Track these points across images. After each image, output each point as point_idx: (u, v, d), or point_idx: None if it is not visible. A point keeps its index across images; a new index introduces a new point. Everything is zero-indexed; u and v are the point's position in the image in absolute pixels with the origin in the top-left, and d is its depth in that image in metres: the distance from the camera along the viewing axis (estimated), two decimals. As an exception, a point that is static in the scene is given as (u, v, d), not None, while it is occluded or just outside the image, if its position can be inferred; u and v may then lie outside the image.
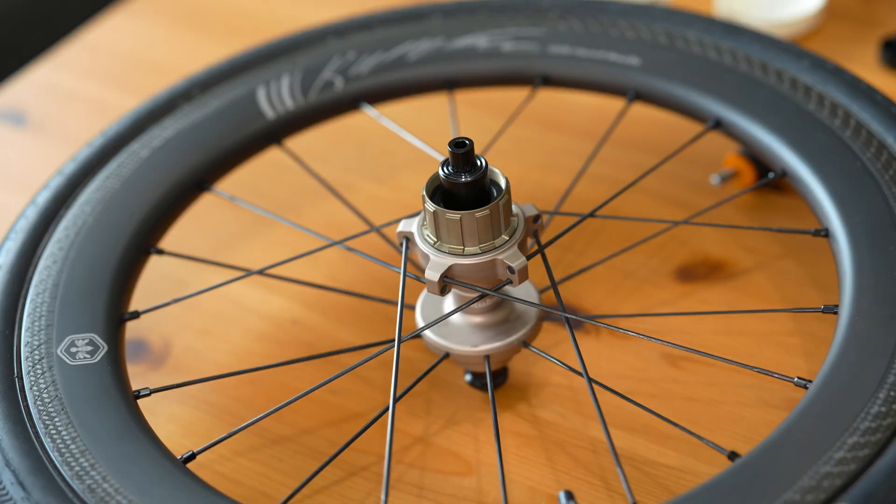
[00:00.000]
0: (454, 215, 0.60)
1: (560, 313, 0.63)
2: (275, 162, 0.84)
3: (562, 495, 0.57)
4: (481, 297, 0.64)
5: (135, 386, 0.64)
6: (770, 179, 0.71)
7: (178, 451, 0.61)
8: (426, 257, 0.63)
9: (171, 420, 0.72)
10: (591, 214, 0.70)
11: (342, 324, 0.77)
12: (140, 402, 0.63)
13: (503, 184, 0.61)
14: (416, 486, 0.67)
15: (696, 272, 0.77)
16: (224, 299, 0.79)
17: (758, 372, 0.61)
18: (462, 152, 0.60)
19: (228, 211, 0.86)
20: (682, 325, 0.73)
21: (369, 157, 0.90)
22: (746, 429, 0.66)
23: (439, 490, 0.66)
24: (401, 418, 0.70)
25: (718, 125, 0.73)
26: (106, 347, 0.64)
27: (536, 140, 0.89)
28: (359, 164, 0.89)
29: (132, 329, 0.77)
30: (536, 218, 0.64)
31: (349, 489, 0.67)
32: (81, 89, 1.03)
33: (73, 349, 0.63)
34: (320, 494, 0.67)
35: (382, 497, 0.56)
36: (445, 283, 0.62)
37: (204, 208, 0.83)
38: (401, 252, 0.64)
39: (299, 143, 0.83)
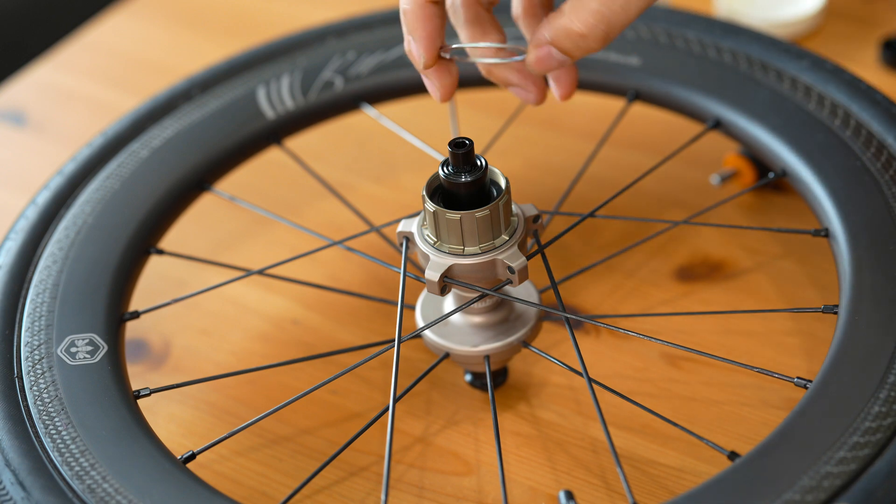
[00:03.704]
0: (454, 215, 0.60)
1: (560, 313, 0.63)
2: (275, 161, 0.84)
3: (562, 495, 0.57)
4: (481, 297, 0.64)
5: (135, 386, 0.64)
6: (770, 179, 0.71)
7: (178, 451, 0.61)
8: (426, 257, 0.62)
9: (170, 420, 0.72)
10: (591, 214, 0.70)
11: (342, 324, 0.77)
12: (140, 401, 0.63)
13: (503, 184, 0.61)
14: (416, 486, 0.67)
15: (696, 272, 0.77)
16: (224, 299, 0.79)
17: (758, 372, 0.61)
18: (462, 152, 0.60)
19: (228, 211, 0.86)
20: (682, 325, 0.73)
21: (369, 157, 0.90)
22: (746, 429, 0.66)
23: (439, 490, 0.66)
24: (401, 418, 0.70)
25: (718, 125, 0.73)
26: (106, 347, 0.64)
27: (536, 140, 0.89)
28: (358, 164, 0.89)
29: (132, 329, 0.77)
30: (536, 218, 0.64)
31: (349, 489, 0.67)
32: (81, 89, 1.03)
33: (73, 349, 0.63)
34: (320, 494, 0.67)
35: (382, 497, 0.56)
36: (445, 283, 0.62)
37: (204, 208, 0.83)
38: (401, 252, 0.64)
39: (299, 142, 0.83)
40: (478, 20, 0.61)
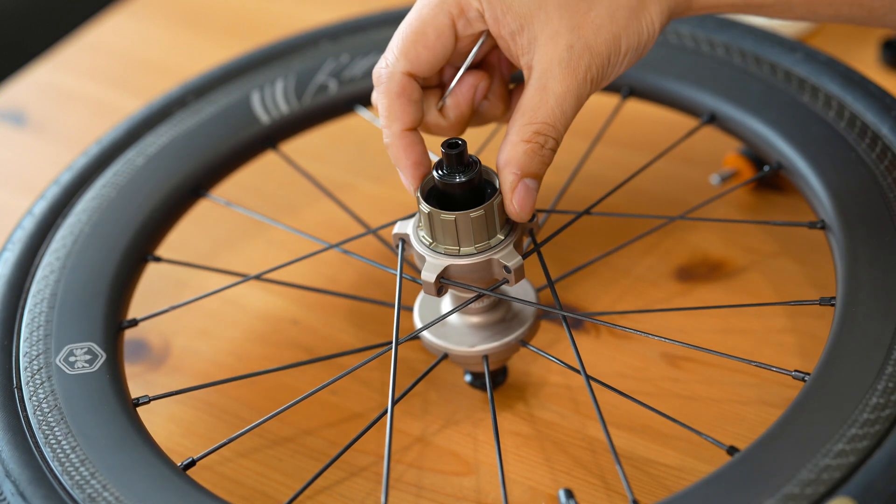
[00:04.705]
0: (448, 216, 0.60)
1: (557, 311, 0.63)
2: (274, 162, 0.84)
3: (561, 494, 0.57)
4: (478, 297, 0.64)
5: (134, 386, 0.64)
6: (766, 172, 0.71)
7: (178, 452, 0.61)
8: (422, 259, 0.62)
9: (170, 420, 0.72)
10: (587, 212, 0.70)
11: (341, 324, 0.77)
12: (139, 414, 0.63)
13: (497, 183, 0.61)
14: (416, 485, 0.67)
15: (694, 271, 0.76)
16: (223, 300, 0.79)
17: (756, 366, 0.61)
18: (455, 153, 0.60)
19: (227, 212, 0.86)
20: (680, 324, 0.73)
21: (368, 157, 0.90)
22: (745, 428, 0.66)
23: (439, 490, 0.66)
24: (400, 418, 0.70)
25: (713, 119, 0.73)
26: (105, 356, 0.64)
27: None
28: (358, 164, 0.89)
29: (132, 329, 0.76)
30: (532, 217, 0.64)
31: (349, 489, 0.67)
32: (81, 89, 1.03)
33: (72, 358, 0.64)
34: (321, 495, 0.67)
35: (382, 498, 0.56)
36: (442, 284, 0.62)
37: (203, 209, 0.83)
38: (397, 254, 0.64)
39: (297, 142, 0.83)
40: (404, 93, 0.62)
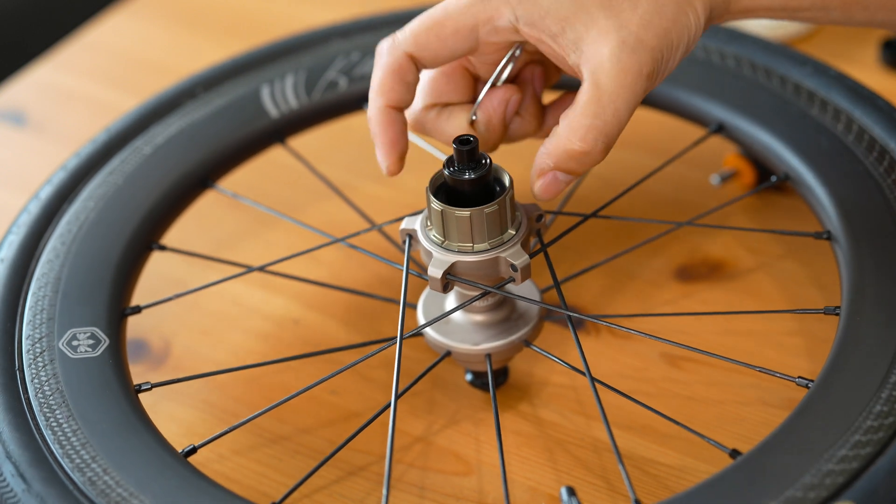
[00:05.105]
0: (464, 213, 0.60)
1: (563, 311, 0.63)
2: (275, 162, 0.84)
3: (563, 491, 0.57)
4: (484, 294, 0.64)
5: (135, 385, 0.64)
6: (772, 183, 0.71)
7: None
8: (429, 255, 0.62)
9: (171, 420, 0.72)
10: (594, 215, 0.70)
11: (343, 324, 0.77)
12: (140, 401, 0.63)
13: (506, 180, 0.61)
14: (417, 485, 0.66)
15: (698, 272, 0.77)
16: (224, 299, 0.79)
17: (759, 371, 0.61)
18: (467, 149, 0.60)
19: (228, 211, 0.86)
20: (683, 324, 0.73)
21: (369, 158, 0.89)
22: (746, 429, 0.66)
23: (439, 490, 0.66)
24: (401, 418, 0.70)
25: (721, 129, 0.73)
26: (108, 341, 0.64)
27: (539, 141, 0.88)
28: (359, 165, 0.89)
29: (132, 330, 0.76)
30: (539, 217, 0.64)
31: (348, 489, 0.67)
32: (81, 89, 1.03)
33: (75, 342, 0.63)
34: (319, 494, 0.67)
35: (384, 492, 0.56)
36: (448, 281, 0.62)
37: (204, 208, 0.83)
38: (403, 250, 0.64)
39: (298, 142, 0.83)
40: (399, 71, 0.62)
